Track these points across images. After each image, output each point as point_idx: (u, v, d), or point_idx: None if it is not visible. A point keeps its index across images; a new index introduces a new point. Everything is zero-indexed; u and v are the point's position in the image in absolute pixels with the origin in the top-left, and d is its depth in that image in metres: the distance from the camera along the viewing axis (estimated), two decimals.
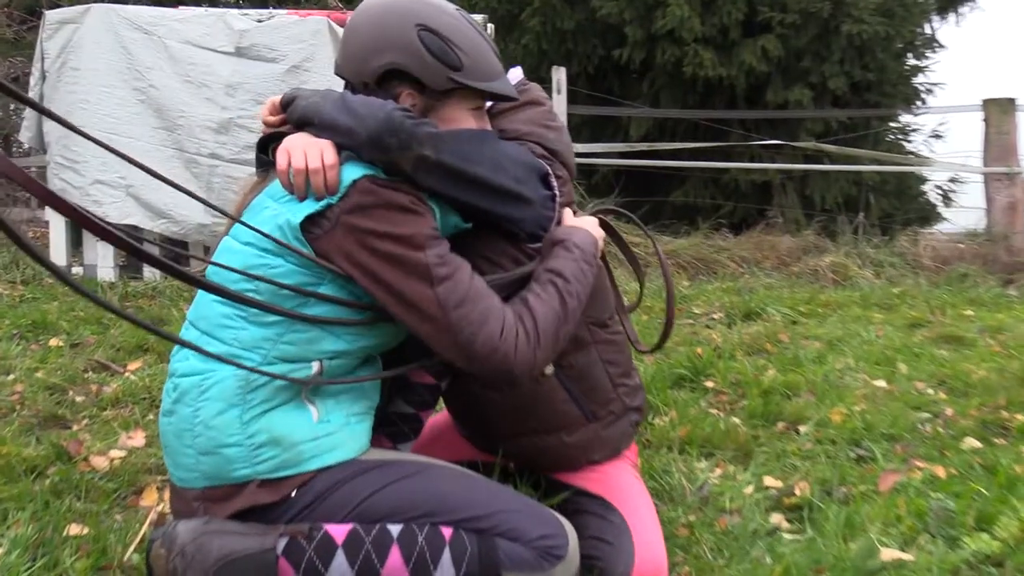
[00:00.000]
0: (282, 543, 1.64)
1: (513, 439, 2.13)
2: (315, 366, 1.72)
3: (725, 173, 8.92)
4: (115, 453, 2.69)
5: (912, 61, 9.79)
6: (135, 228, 5.72)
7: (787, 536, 2.24)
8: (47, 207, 4.44)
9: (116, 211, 5.67)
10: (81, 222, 1.29)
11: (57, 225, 5.96)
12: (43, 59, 5.82)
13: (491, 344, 1.68)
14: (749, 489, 2.53)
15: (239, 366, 1.64)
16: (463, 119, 1.88)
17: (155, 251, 5.55)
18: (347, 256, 1.68)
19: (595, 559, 1.89)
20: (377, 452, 1.83)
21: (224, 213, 1.79)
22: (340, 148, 1.73)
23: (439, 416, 2.40)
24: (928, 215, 9.93)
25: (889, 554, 2.07)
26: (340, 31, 5.53)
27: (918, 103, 9.78)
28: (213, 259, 1.77)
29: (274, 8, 6.13)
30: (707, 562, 2.09)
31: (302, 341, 1.71)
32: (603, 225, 2.16)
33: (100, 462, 2.61)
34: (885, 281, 6.75)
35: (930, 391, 3.56)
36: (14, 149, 9.35)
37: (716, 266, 7.03)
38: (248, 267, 1.70)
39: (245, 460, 1.68)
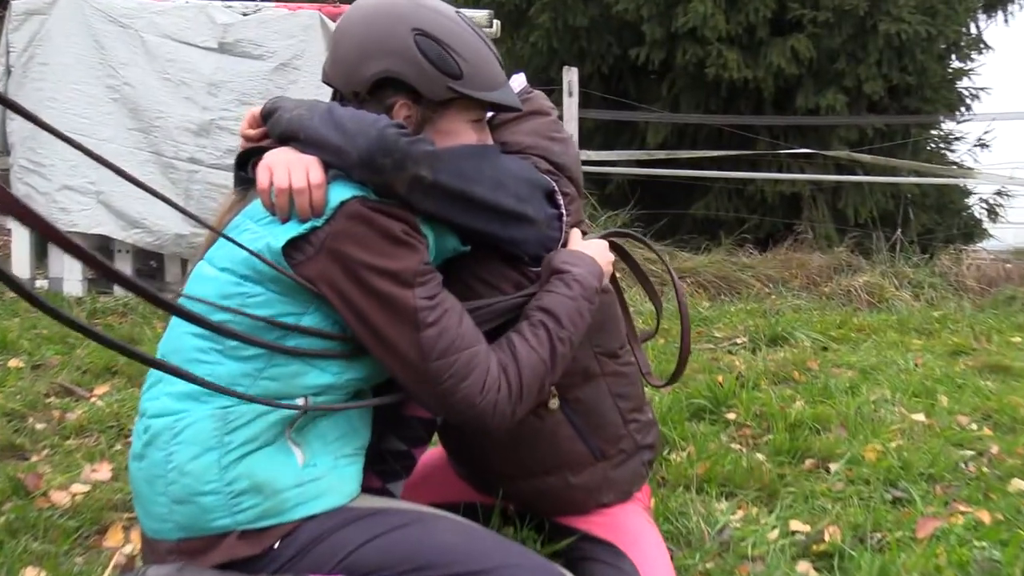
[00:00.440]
0: None
1: (514, 479, 2.11)
2: (299, 402, 1.70)
3: (750, 184, 8.92)
4: (78, 488, 2.67)
5: (956, 63, 9.83)
6: (106, 238, 5.71)
7: None
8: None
9: (85, 219, 5.67)
10: (46, 233, 1.26)
11: (21, 234, 5.96)
12: (8, 53, 5.81)
13: (470, 400, 1.67)
14: (774, 534, 2.50)
15: (229, 393, 1.60)
16: (462, 131, 1.86)
17: (128, 269, 5.63)
18: (331, 285, 1.66)
19: None
20: (368, 499, 1.81)
21: (203, 223, 1.77)
22: (327, 166, 1.72)
23: (433, 453, 2.38)
24: (972, 231, 9.94)
25: None
26: (333, 26, 5.54)
27: (962, 109, 9.81)
28: (187, 287, 1.75)
29: (261, 0, 6.14)
30: None
31: (285, 376, 1.68)
32: (614, 248, 2.15)
33: (61, 497, 2.58)
34: (925, 304, 6.73)
35: (974, 426, 3.53)
36: None
37: (739, 286, 7.02)
38: (225, 296, 1.68)
39: (224, 509, 1.65)
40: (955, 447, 3.25)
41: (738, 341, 5.20)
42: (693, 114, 9.10)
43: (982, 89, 9.81)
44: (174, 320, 1.76)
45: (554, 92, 9.59)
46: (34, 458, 2.98)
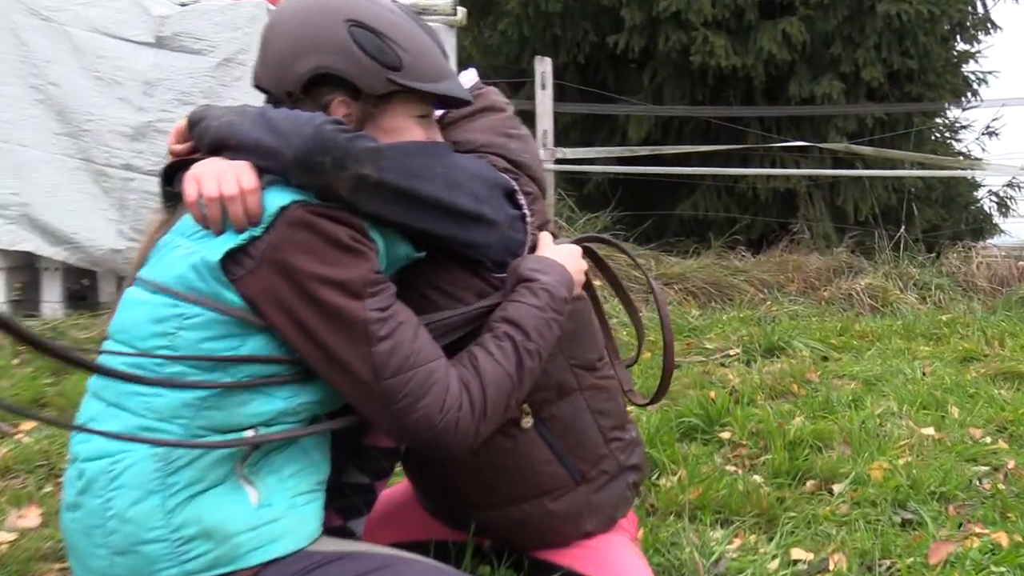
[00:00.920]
0: None
1: (486, 509, 2.09)
2: (248, 435, 1.68)
3: (741, 181, 8.96)
4: (3, 536, 2.63)
5: (961, 45, 9.92)
6: (32, 256, 5.65)
7: None
8: None
9: (8, 235, 5.58)
10: None
11: None
12: None
13: (429, 421, 1.67)
14: (774, 564, 2.49)
15: (157, 443, 1.59)
16: (408, 129, 1.86)
17: (57, 289, 5.57)
18: (274, 299, 1.65)
19: None
20: (330, 541, 1.79)
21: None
22: (262, 171, 1.71)
23: (396, 488, 2.37)
24: (982, 227, 10.03)
25: None
26: None
27: (968, 95, 9.90)
28: (116, 315, 1.74)
29: None
30: None
31: (230, 405, 1.66)
32: (588, 254, 2.15)
33: None
34: (932, 307, 6.77)
35: (988, 439, 3.55)
36: None
37: (732, 292, 7.04)
38: (159, 320, 1.66)
39: (171, 558, 1.63)
40: (968, 463, 3.27)
41: (731, 352, 5.21)
42: (678, 106, 9.13)
43: (990, 73, 9.92)
44: (107, 343, 1.74)
45: (526, 84, 9.62)
46: None
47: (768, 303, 6.75)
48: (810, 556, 2.55)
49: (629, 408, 2.25)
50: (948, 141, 10.46)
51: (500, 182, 1.92)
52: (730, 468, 3.27)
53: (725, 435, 3.60)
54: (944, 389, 4.25)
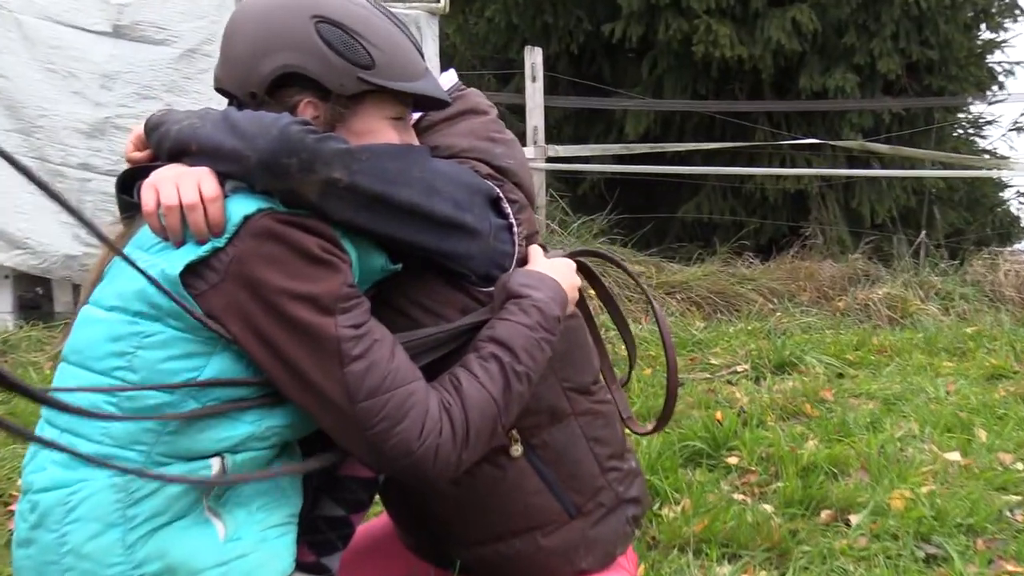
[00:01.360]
0: None
1: (473, 546, 2.08)
2: (215, 463, 1.67)
3: (748, 181, 8.98)
4: None
5: (986, 34, 9.95)
6: None
7: None
8: None
9: None
10: None
11: None
12: None
13: (406, 447, 1.66)
14: None
15: (121, 469, 1.57)
16: (381, 131, 1.86)
17: (8, 298, 5.56)
18: (240, 316, 1.64)
19: None
20: None
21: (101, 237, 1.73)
22: (224, 177, 1.70)
23: (375, 521, 2.36)
24: (1009, 231, 10.06)
25: None
26: None
27: (994, 88, 9.92)
28: (71, 337, 1.72)
29: None
30: None
31: (194, 430, 1.65)
32: (582, 270, 2.14)
33: None
34: (956, 318, 6.77)
35: (1019, 465, 3.54)
36: None
37: (739, 302, 7.04)
38: (116, 338, 1.65)
39: None
40: (998, 491, 3.26)
41: (739, 369, 5.20)
42: (679, 100, 9.15)
43: (1018, 63, 9.95)
44: (62, 366, 1.73)
45: (515, 76, 9.63)
46: None
47: (778, 314, 6.74)
48: None
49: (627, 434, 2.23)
50: (972, 138, 10.50)
51: (483, 188, 1.91)
52: (738, 497, 3.26)
53: (732, 460, 3.59)
54: (970, 410, 4.24)
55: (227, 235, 1.64)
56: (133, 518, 1.62)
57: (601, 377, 2.17)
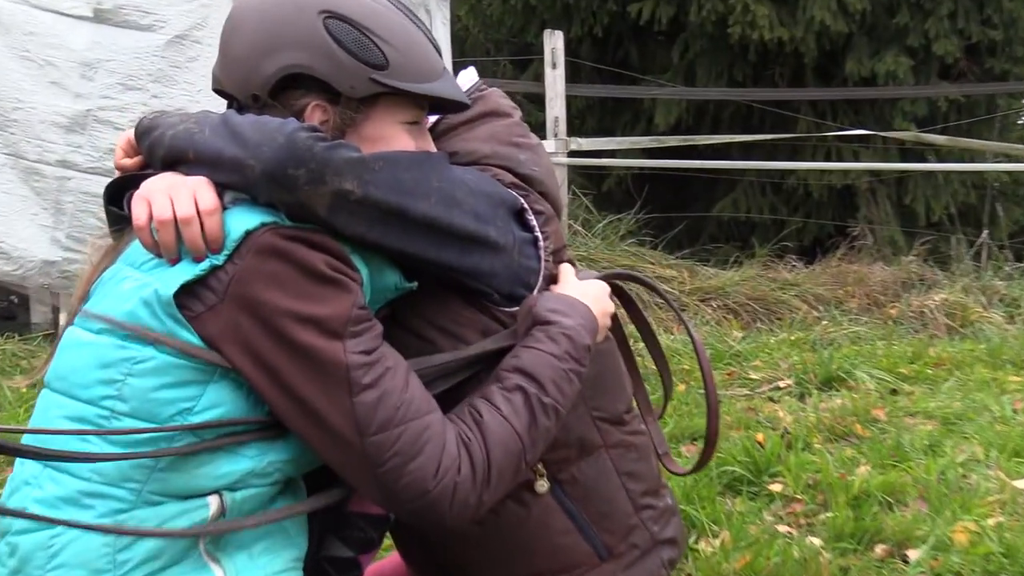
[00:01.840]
0: None
1: None
2: (213, 502, 1.66)
3: (790, 176, 8.95)
4: None
5: None
6: None
7: None
8: None
9: None
10: None
11: None
12: None
13: (421, 486, 1.64)
14: None
15: (100, 529, 1.57)
16: (395, 137, 1.84)
17: None
18: (239, 341, 1.63)
19: None
20: None
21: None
22: (223, 187, 1.69)
23: (385, 562, 2.35)
24: None
25: None
26: None
27: None
28: (55, 360, 1.72)
29: None
30: None
31: (189, 465, 1.64)
32: (616, 293, 2.13)
33: None
34: (1022, 327, 6.73)
35: None
36: None
37: (780, 309, 7.03)
38: (105, 365, 1.64)
39: None
40: None
41: (781, 384, 5.18)
42: (713, 87, 9.15)
43: None
44: (44, 393, 1.73)
45: (533, 63, 9.63)
46: None
47: (824, 323, 6.71)
48: None
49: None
50: None
51: (507, 199, 1.90)
52: (782, 529, 3.25)
53: (776, 488, 3.58)
54: None
55: (226, 252, 1.63)
56: (124, 563, 1.61)
57: (635, 405, 2.15)
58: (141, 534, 1.61)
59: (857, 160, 8.84)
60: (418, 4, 6.18)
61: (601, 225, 7.72)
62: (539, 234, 1.94)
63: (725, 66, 9.24)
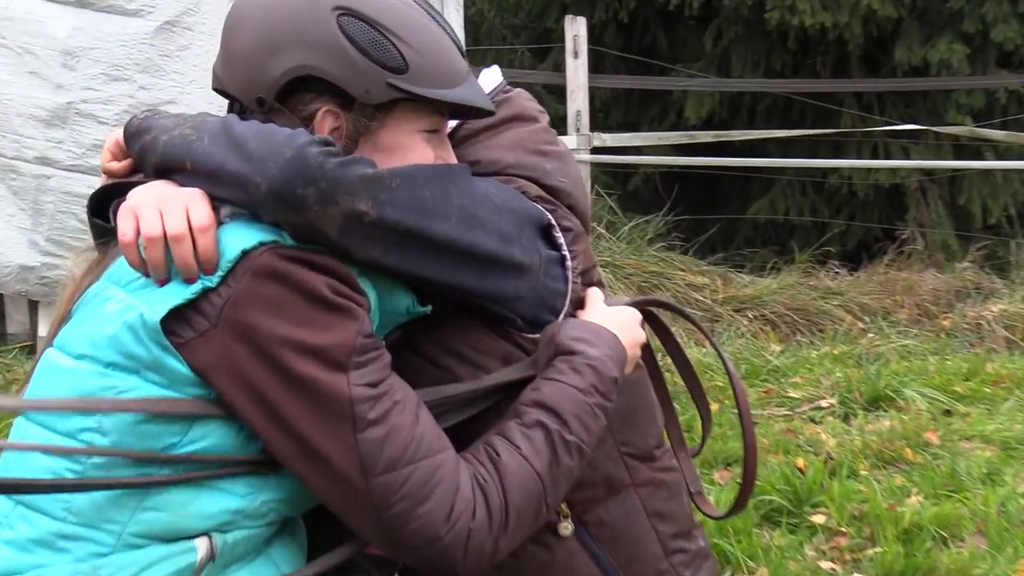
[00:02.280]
0: None
1: None
2: (201, 546, 1.65)
3: (832, 174, 8.93)
4: None
5: None
6: None
7: None
8: None
9: None
10: None
11: None
12: None
13: (431, 532, 1.62)
14: None
15: None
16: (413, 147, 1.82)
17: None
18: (233, 372, 1.61)
19: None
20: None
21: None
22: (219, 201, 1.68)
23: None
24: None
25: None
26: None
27: None
28: (31, 384, 1.71)
29: None
30: None
31: (174, 504, 1.63)
32: (648, 320, 2.11)
33: None
34: None
35: None
36: None
37: (822, 320, 7.02)
38: (86, 393, 1.62)
39: None
40: None
41: (823, 404, 5.17)
42: (749, 78, 9.13)
43: None
44: (18, 422, 1.72)
45: (553, 51, 9.63)
46: None
47: (870, 336, 6.71)
48: None
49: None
50: None
51: (533, 215, 1.88)
52: (826, 565, 3.25)
53: (818, 519, 3.57)
54: None
55: (220, 273, 1.61)
56: None
57: (666, 439, 2.14)
58: None
59: (907, 157, 8.82)
60: None
61: (627, 228, 7.72)
62: (567, 253, 1.92)
63: (762, 54, 9.22)
